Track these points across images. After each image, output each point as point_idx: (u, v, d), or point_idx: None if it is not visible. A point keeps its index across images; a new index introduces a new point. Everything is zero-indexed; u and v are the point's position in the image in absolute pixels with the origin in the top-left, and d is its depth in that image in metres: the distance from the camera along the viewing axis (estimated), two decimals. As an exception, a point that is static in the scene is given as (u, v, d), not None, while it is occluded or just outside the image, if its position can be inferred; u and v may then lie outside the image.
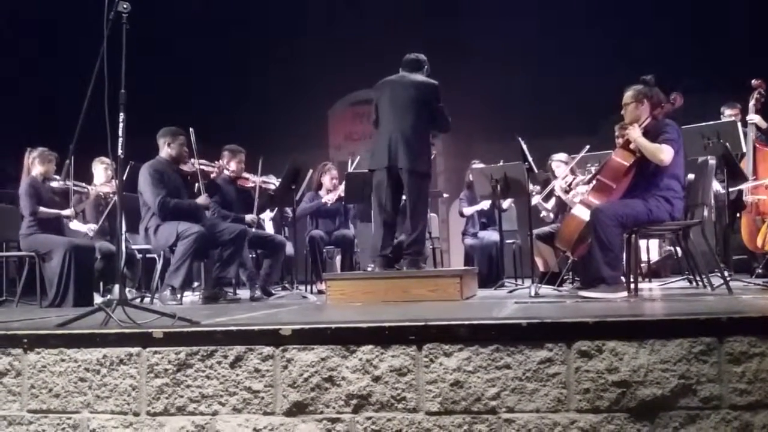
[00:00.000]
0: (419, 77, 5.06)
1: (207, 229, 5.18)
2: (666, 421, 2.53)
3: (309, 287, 6.42)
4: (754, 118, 5.64)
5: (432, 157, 5.14)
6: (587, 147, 5.94)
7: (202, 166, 5.58)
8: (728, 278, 4.38)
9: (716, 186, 5.54)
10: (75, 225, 5.87)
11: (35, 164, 5.49)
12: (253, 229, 5.87)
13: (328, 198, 6.77)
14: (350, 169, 6.77)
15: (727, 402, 2.52)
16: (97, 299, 5.12)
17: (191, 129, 5.52)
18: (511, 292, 5.40)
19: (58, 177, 5.55)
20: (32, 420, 2.89)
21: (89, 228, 5.85)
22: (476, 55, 9.13)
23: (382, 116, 5.07)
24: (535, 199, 6.10)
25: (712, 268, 4.95)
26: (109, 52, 3.38)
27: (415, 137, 4.90)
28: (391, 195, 4.99)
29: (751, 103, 5.68)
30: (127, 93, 3.38)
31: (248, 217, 5.95)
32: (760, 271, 5.42)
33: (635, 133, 4.30)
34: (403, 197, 5.07)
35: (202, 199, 5.41)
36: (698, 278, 5.02)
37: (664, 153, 4.18)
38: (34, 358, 2.91)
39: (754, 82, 5.72)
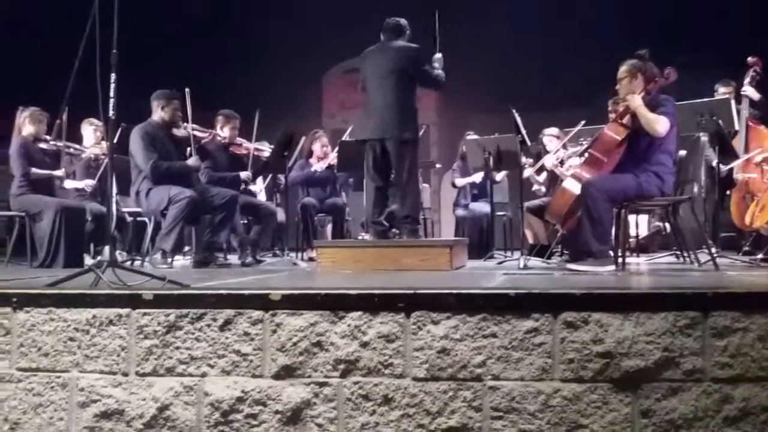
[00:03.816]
0: (400, 43, 5.06)
1: (199, 194, 5.17)
2: (648, 393, 2.58)
3: (300, 254, 6.43)
4: (747, 90, 5.63)
5: (420, 124, 5.13)
6: (583, 122, 5.94)
7: (195, 132, 5.55)
8: (715, 255, 4.43)
9: (713, 159, 5.55)
10: (69, 183, 5.84)
11: (26, 124, 5.44)
12: (253, 191, 5.88)
13: (317, 166, 6.78)
14: (344, 138, 6.75)
15: (708, 375, 2.56)
16: (88, 261, 5.12)
17: (186, 89, 5.45)
18: (500, 263, 5.43)
19: (48, 137, 5.51)
20: (21, 378, 2.91)
21: (86, 184, 5.82)
22: (471, 26, 9.05)
23: (367, 86, 5.11)
24: (528, 172, 6.12)
25: (699, 244, 4.98)
26: (101, 12, 3.34)
27: (398, 105, 4.91)
28: (379, 164, 5.02)
29: (746, 81, 5.67)
30: (119, 54, 3.35)
31: (243, 174, 5.98)
32: (747, 248, 5.45)
33: (636, 101, 4.28)
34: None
35: (192, 161, 5.37)
36: (686, 254, 5.06)
37: (661, 124, 4.18)
38: (24, 317, 2.92)
39: (750, 59, 5.70)
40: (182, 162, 5.34)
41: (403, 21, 5.14)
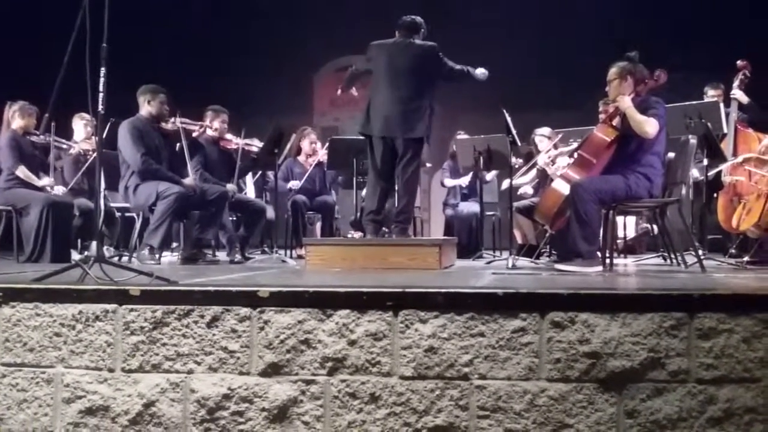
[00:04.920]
0: (417, 41, 5.02)
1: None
2: (633, 393, 2.59)
3: (288, 252, 6.42)
4: (736, 93, 5.67)
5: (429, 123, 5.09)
6: (561, 134, 5.98)
7: (184, 125, 5.52)
8: (702, 257, 4.45)
9: (695, 173, 5.58)
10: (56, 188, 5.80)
11: (15, 118, 5.41)
12: (235, 195, 5.83)
13: (293, 184, 6.73)
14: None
15: (693, 376, 2.58)
16: (75, 256, 5.09)
17: (178, 112, 5.48)
18: (489, 263, 5.45)
19: (38, 132, 5.49)
20: (6, 373, 2.89)
21: (59, 189, 5.75)
22: (463, 26, 9.06)
23: (378, 82, 5.02)
24: (508, 183, 6.13)
25: (687, 246, 5.01)
26: (91, 5, 3.31)
27: (411, 105, 4.88)
28: (386, 162, 4.99)
29: (736, 83, 5.71)
30: (108, 48, 3.33)
31: (229, 186, 5.78)
32: (733, 251, 5.48)
33: (626, 103, 4.30)
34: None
35: (188, 181, 5.32)
36: (673, 256, 5.08)
37: (650, 125, 4.20)
38: (9, 311, 2.90)
39: (739, 62, 5.73)
40: (177, 177, 5.28)
41: (419, 19, 5.07)
